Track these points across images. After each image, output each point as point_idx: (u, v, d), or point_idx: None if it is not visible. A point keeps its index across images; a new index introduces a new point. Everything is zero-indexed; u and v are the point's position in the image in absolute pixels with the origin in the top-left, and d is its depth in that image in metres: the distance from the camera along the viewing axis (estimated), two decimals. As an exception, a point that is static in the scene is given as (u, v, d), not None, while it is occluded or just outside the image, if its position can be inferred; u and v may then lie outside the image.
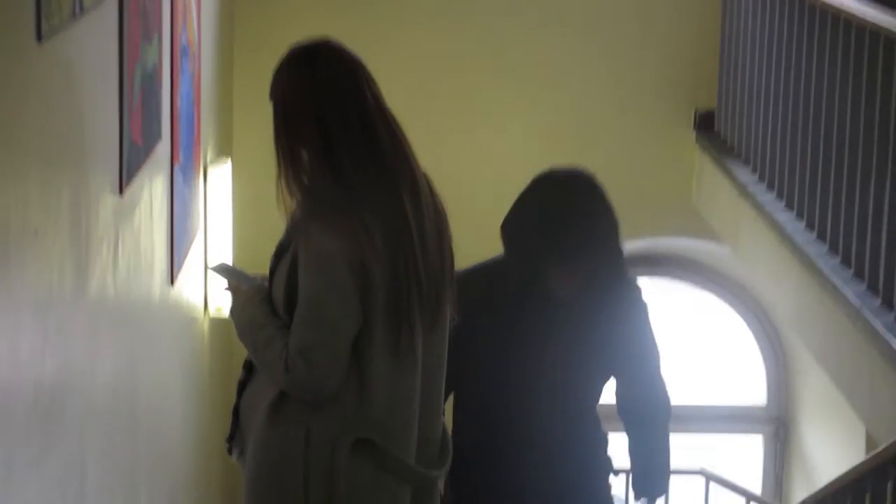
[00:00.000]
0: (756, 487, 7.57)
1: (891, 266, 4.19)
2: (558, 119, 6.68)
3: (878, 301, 4.24)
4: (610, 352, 3.46)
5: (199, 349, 4.88)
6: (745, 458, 7.85)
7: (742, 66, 6.01)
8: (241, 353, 3.06)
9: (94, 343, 2.79)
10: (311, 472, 2.90)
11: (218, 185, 5.07)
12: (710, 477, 6.56)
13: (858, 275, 4.44)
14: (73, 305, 2.61)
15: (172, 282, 3.93)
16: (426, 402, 3.00)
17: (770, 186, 5.52)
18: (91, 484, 2.76)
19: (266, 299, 2.98)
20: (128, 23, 3.11)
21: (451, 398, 3.47)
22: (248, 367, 3.05)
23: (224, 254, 5.06)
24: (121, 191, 3.05)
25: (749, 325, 7.85)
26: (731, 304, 7.83)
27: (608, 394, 3.61)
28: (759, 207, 5.45)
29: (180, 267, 4.07)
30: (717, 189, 6.21)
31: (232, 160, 5.53)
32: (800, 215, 5.12)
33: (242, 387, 3.06)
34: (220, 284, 4.39)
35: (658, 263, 7.40)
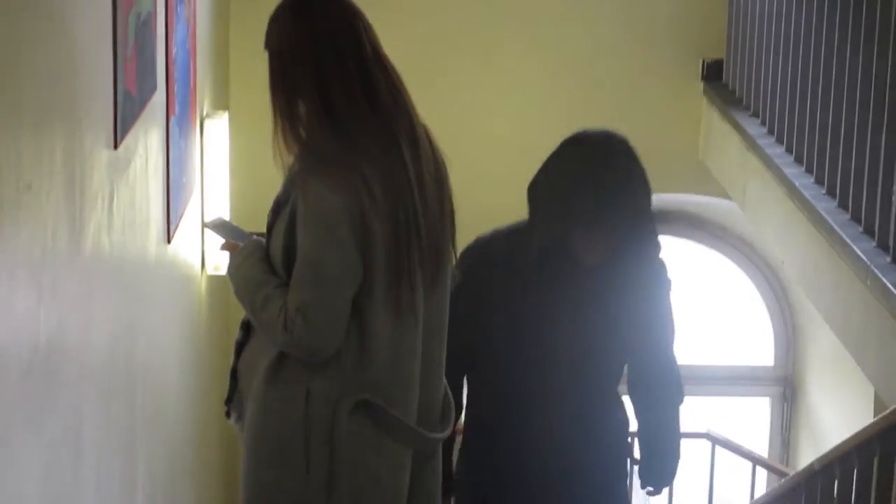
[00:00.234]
0: (763, 451, 7.57)
1: (902, 223, 4.15)
2: (563, 69, 6.60)
3: (887, 258, 4.20)
4: (630, 324, 3.39)
5: (197, 308, 4.86)
6: (751, 420, 7.85)
7: (751, 14, 5.95)
8: (240, 312, 3.01)
9: (89, 302, 2.75)
10: (312, 434, 2.87)
11: (215, 138, 5.02)
12: (715, 440, 6.54)
13: (868, 231, 4.40)
14: (69, 263, 2.57)
15: (169, 239, 3.89)
16: (427, 362, 2.97)
17: (779, 140, 5.48)
18: (88, 446, 2.73)
19: (264, 257, 2.94)
20: (121, -31, 3.03)
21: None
22: (246, 328, 3.02)
23: (221, 210, 5.03)
24: (115, 144, 3.00)
25: (756, 283, 7.82)
26: (738, 261, 7.81)
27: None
28: (767, 161, 5.41)
29: (177, 223, 4.03)
30: (724, 143, 6.17)
31: (229, 113, 5.48)
32: (809, 170, 5.08)
33: (240, 348, 3.02)
34: (216, 242, 4.37)
35: (663, 220, 7.34)
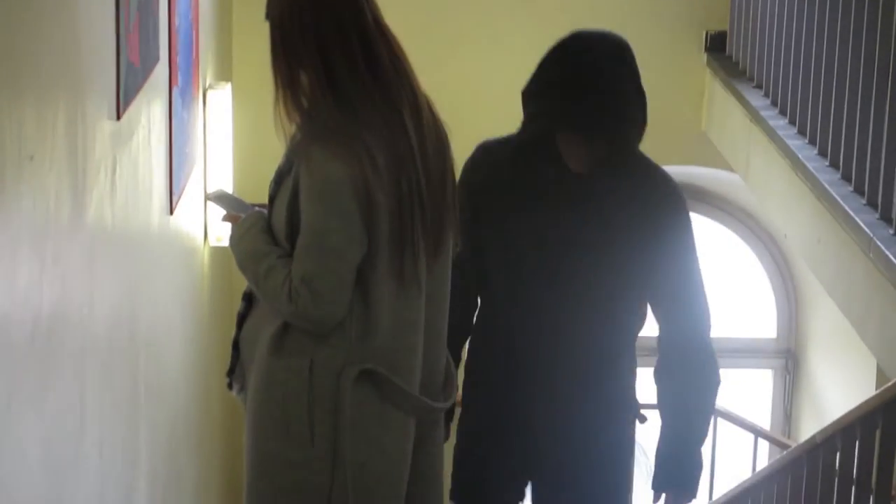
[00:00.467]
0: (765, 423, 7.57)
1: (904, 195, 4.15)
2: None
3: (890, 230, 4.19)
4: (640, 257, 3.21)
5: (199, 279, 4.85)
6: (754, 393, 7.85)
7: (755, -14, 5.92)
8: (242, 284, 3.02)
9: (92, 274, 2.74)
10: (316, 405, 2.88)
11: (218, 109, 5.00)
12: (717, 412, 6.54)
13: (871, 203, 4.40)
14: (71, 234, 2.56)
15: (171, 210, 3.88)
16: (430, 331, 2.97)
17: (782, 112, 5.47)
18: (90, 416, 2.73)
19: (266, 228, 2.94)
20: (123, -63, 3.02)
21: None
22: (248, 299, 3.02)
23: (224, 181, 5.03)
24: (118, 115, 2.99)
25: (759, 255, 7.82)
26: (741, 234, 7.80)
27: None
28: (770, 133, 5.39)
29: (179, 195, 4.03)
30: (727, 114, 6.15)
31: (232, 84, 5.46)
32: (812, 142, 5.07)
33: (242, 319, 3.03)
34: (217, 213, 4.37)
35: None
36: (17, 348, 2.18)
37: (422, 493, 3.06)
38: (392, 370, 2.90)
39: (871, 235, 4.20)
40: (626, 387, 3.39)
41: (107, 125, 2.88)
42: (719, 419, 6.55)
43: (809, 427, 7.15)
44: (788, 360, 7.77)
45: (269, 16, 2.88)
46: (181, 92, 4.07)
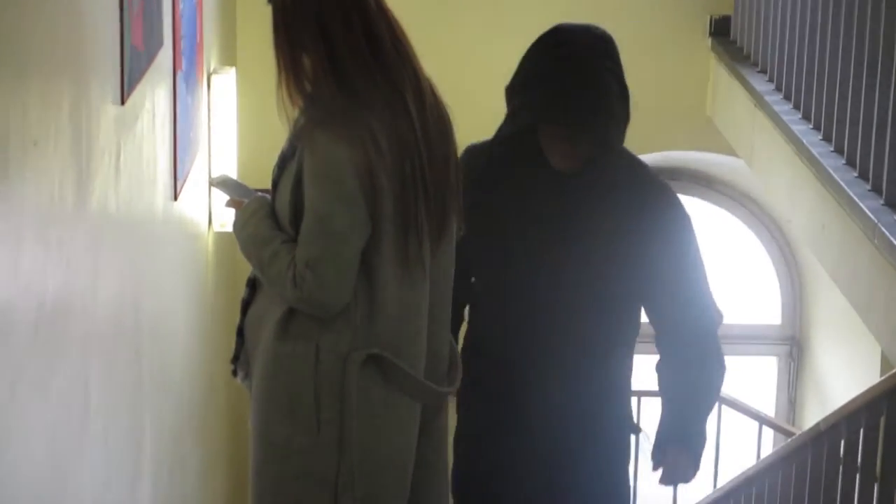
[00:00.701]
0: (769, 410, 7.57)
1: (909, 181, 4.15)
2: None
3: (894, 215, 4.17)
4: (632, 256, 3.19)
5: (203, 265, 4.86)
6: (758, 380, 7.85)
7: (760, -32, 5.91)
8: (246, 270, 3.01)
9: (96, 260, 2.74)
10: (322, 390, 2.88)
11: (222, 94, 5.00)
12: (722, 399, 6.54)
13: (875, 189, 4.39)
14: (75, 220, 2.56)
15: (176, 196, 3.88)
16: (434, 315, 2.98)
17: (787, 97, 5.45)
18: (95, 402, 2.73)
19: (270, 213, 2.95)
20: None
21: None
22: (252, 286, 3.02)
23: (228, 166, 5.03)
24: (122, 100, 2.98)
25: (763, 241, 7.81)
26: (745, 219, 7.80)
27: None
28: (775, 118, 5.38)
29: (183, 180, 4.02)
30: (731, 99, 6.14)
31: (236, 69, 5.46)
32: (816, 127, 5.06)
33: (246, 305, 3.03)
34: (221, 199, 4.37)
35: (670, 177, 7.33)
36: (22, 335, 2.18)
37: (427, 477, 3.07)
38: (397, 354, 2.91)
39: (876, 221, 4.18)
40: (617, 388, 3.35)
41: (111, 110, 2.88)
42: (724, 406, 6.55)
43: (814, 414, 7.16)
44: (793, 347, 7.77)
45: (272, 0, 2.89)
46: (185, 76, 4.07)
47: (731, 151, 6.45)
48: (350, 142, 2.78)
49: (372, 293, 2.87)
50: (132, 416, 3.22)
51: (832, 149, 4.83)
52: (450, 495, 3.24)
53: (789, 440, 4.87)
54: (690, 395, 3.31)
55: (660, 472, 3.40)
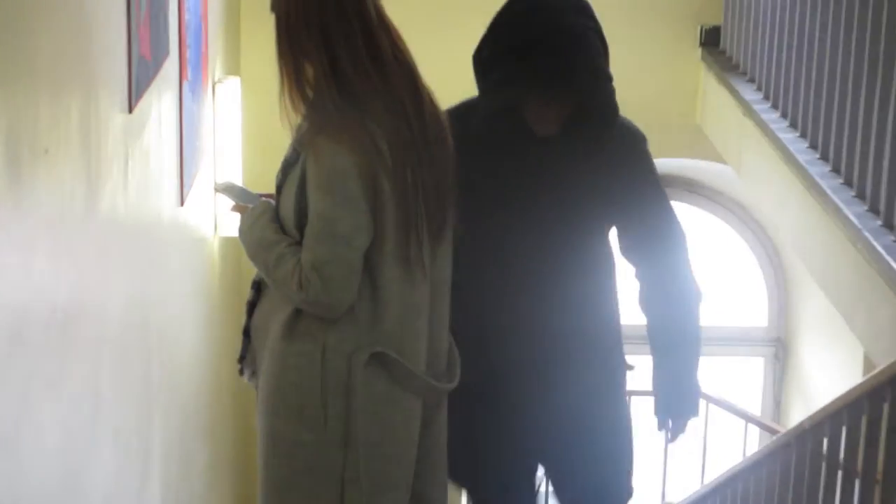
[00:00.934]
0: (755, 410, 7.59)
1: (892, 187, 4.18)
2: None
3: (878, 222, 4.24)
4: (609, 202, 3.19)
5: (209, 269, 4.86)
6: (745, 380, 7.86)
7: (749, -20, 5.94)
8: (251, 273, 3.05)
9: (105, 264, 2.78)
10: (328, 388, 2.92)
11: (226, 102, 5.02)
12: (708, 399, 6.59)
13: (860, 196, 4.43)
14: (85, 226, 2.60)
15: (182, 202, 3.90)
16: (434, 315, 3.02)
17: (775, 106, 5.49)
18: (105, 403, 2.77)
19: (274, 218, 2.99)
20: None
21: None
22: (257, 288, 3.06)
23: (233, 173, 5.03)
24: (130, 108, 3.02)
25: (750, 246, 7.83)
26: (733, 224, 7.82)
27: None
28: (763, 126, 5.41)
29: (190, 186, 4.04)
30: (721, 108, 6.17)
31: (240, 77, 5.49)
32: (804, 135, 5.09)
33: (252, 307, 3.07)
34: (226, 204, 4.38)
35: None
36: (35, 337, 2.21)
37: (428, 471, 3.11)
38: (399, 352, 2.94)
39: (860, 227, 4.23)
40: (609, 331, 3.36)
41: (119, 118, 2.91)
42: (710, 405, 6.57)
43: (798, 413, 7.17)
44: (778, 348, 7.77)
45: (274, 9, 2.93)
46: (191, 85, 4.08)
47: (719, 159, 6.47)
48: (352, 146, 2.82)
49: (375, 293, 2.91)
50: (142, 415, 3.24)
51: (818, 156, 4.87)
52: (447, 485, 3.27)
53: (774, 438, 4.88)
54: (678, 343, 3.33)
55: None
